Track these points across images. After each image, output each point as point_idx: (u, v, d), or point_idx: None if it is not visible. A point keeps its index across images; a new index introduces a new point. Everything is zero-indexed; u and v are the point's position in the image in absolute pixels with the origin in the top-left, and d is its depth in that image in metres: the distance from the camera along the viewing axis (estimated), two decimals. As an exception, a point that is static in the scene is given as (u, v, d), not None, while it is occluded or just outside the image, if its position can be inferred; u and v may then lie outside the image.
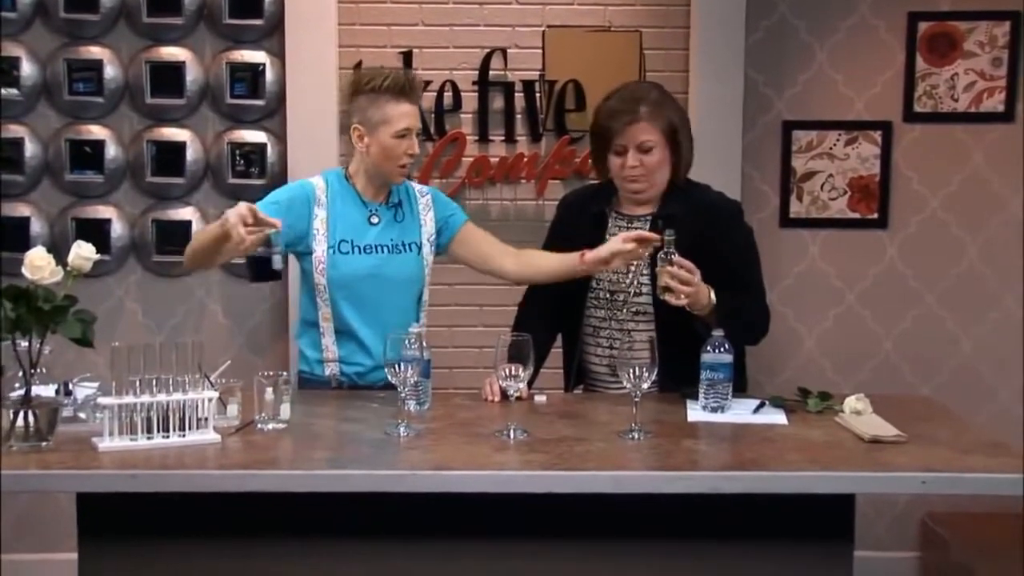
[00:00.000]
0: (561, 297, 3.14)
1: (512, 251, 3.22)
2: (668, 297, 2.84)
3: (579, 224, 3.14)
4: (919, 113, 4.27)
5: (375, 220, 3.13)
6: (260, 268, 2.88)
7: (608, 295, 3.09)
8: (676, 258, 2.82)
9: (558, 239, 3.20)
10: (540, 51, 4.24)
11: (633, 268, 3.05)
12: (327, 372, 3.14)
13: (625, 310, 3.07)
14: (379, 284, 3.09)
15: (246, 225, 2.71)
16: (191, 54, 4.19)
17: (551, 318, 3.17)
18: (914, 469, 2.36)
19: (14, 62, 4.13)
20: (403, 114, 3.04)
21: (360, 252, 3.09)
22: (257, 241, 2.75)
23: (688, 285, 2.82)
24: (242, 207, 2.73)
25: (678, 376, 2.86)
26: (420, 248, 3.17)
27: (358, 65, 4.17)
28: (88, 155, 4.20)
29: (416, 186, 3.27)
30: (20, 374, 2.43)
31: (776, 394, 2.97)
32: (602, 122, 3.06)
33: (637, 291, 3.06)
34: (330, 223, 3.09)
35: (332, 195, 3.11)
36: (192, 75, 4.18)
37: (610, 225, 3.11)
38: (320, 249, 3.08)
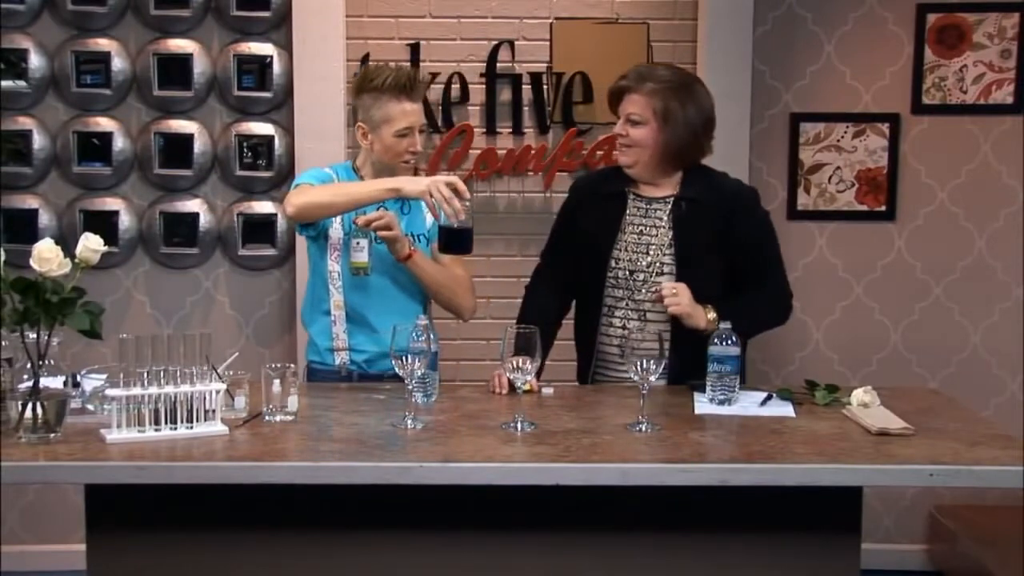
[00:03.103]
0: (572, 276, 3.16)
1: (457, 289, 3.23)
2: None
3: (593, 207, 3.15)
4: (927, 105, 4.25)
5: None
6: (465, 239, 2.92)
7: (627, 274, 3.07)
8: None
9: (568, 224, 3.20)
10: (548, 43, 4.23)
11: (653, 248, 3.04)
12: (337, 361, 3.17)
13: (644, 291, 3.05)
14: (388, 271, 3.14)
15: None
16: (199, 46, 4.19)
17: (558, 299, 3.20)
18: (922, 462, 2.36)
19: (22, 54, 4.13)
20: (404, 113, 3.08)
21: (371, 241, 3.12)
22: (463, 212, 2.86)
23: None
24: (445, 179, 2.88)
25: (692, 365, 2.87)
26: (428, 240, 3.20)
27: (365, 57, 4.17)
28: (96, 147, 4.20)
29: None
30: (28, 366, 2.43)
31: (783, 386, 2.97)
32: (610, 88, 3.13)
33: (658, 271, 3.04)
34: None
35: None
36: (200, 67, 4.18)
37: (629, 206, 3.10)
38: (336, 236, 3.14)
